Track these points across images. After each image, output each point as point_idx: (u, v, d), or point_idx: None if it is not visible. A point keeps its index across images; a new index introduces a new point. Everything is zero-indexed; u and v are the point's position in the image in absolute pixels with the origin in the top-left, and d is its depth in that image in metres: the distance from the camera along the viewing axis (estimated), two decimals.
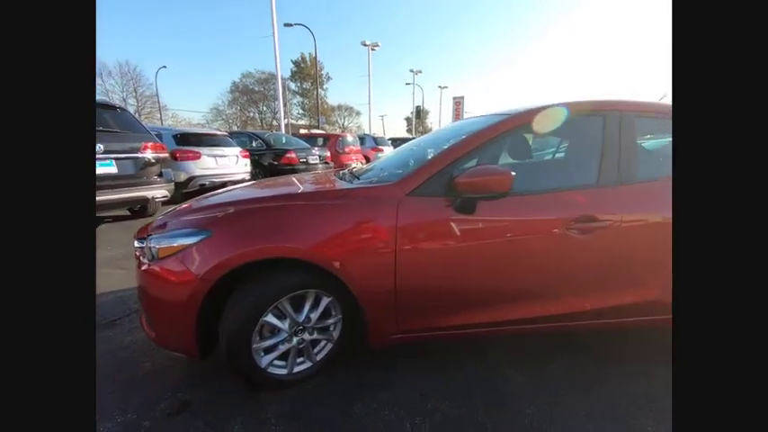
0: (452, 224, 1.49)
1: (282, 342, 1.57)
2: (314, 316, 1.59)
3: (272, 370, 1.59)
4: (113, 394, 1.58)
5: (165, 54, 67.80)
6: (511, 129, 1.69)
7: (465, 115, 29.74)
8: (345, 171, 2.31)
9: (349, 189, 1.63)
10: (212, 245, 1.43)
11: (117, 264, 3.29)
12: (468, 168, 1.49)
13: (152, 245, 1.51)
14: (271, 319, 1.51)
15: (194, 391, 1.61)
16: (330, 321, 1.65)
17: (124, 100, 34.47)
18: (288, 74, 42.55)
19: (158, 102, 35.93)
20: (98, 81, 33.36)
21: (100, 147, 3.98)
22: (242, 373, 1.52)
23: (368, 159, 11.29)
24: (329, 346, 1.70)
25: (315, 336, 1.64)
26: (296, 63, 43.59)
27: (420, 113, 39.96)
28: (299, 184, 1.98)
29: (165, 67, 35.77)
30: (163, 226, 1.59)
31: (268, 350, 1.57)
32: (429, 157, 1.72)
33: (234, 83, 44.36)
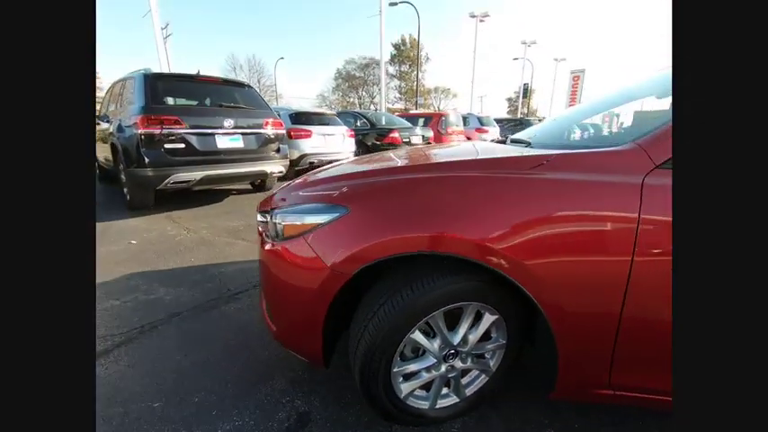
0: None
1: (429, 369, 1.23)
2: (472, 338, 1.22)
3: (412, 401, 1.27)
4: (230, 388, 1.52)
5: (282, 47, 77.24)
6: None
7: (584, 93, 25.80)
8: (495, 138, 1.78)
9: (548, 155, 1.12)
10: (352, 226, 1.09)
11: (239, 235, 3.42)
12: None
13: (276, 220, 1.25)
14: (418, 336, 1.16)
15: (312, 401, 1.44)
16: (489, 347, 1.27)
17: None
18: (387, 57, 42.70)
19: (275, 90, 40.95)
20: (231, 74, 40.27)
21: (230, 122, 4.50)
22: (376, 401, 1.22)
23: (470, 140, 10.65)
24: (483, 378, 1.34)
25: (468, 364, 1.27)
26: (395, 46, 45.41)
27: (527, 92, 35.45)
28: (444, 152, 1.63)
29: (282, 58, 43.41)
30: (285, 200, 1.32)
31: (408, 376, 1.25)
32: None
33: (338, 70, 48.36)
